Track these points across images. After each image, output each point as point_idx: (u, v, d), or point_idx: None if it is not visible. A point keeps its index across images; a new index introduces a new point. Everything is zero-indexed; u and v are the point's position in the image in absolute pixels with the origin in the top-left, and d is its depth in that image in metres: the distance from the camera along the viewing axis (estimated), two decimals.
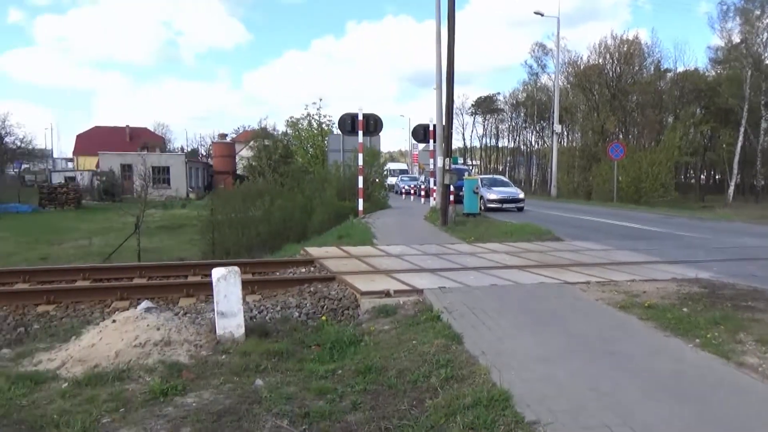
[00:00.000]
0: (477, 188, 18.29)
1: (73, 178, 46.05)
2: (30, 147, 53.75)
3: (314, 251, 11.04)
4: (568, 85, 51.55)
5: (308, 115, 32.33)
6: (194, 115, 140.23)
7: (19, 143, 51.34)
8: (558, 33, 43.87)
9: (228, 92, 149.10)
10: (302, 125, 32.87)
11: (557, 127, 42.96)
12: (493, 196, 22.60)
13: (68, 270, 9.25)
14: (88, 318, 6.94)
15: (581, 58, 51.05)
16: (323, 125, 32.20)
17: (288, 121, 34.75)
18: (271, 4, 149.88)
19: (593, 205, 28.81)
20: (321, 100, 36.57)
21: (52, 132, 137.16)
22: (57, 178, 47.24)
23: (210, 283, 5.95)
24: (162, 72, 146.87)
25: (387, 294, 7.12)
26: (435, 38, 19.10)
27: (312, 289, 7.84)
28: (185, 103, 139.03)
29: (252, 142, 43.19)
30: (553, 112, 42.51)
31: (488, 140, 79.20)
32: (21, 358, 5.46)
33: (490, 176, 28.27)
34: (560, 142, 49.94)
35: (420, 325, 5.93)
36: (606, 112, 45.47)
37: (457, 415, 3.70)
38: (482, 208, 20.00)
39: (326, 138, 27.69)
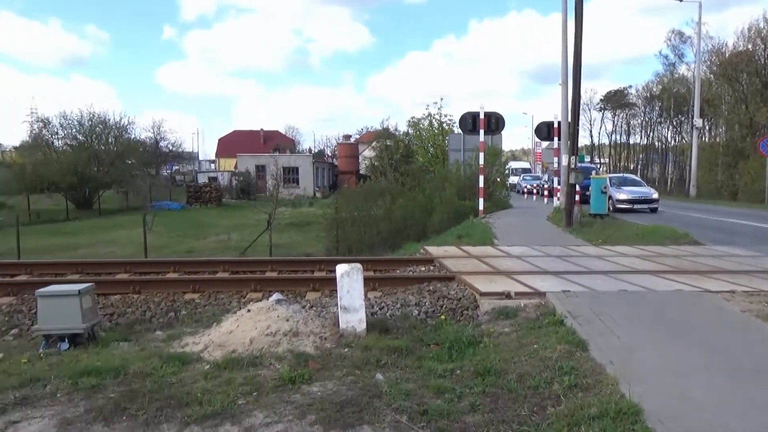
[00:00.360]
0: (605, 187, 17.31)
1: (215, 179, 50.17)
2: (180, 150, 59.66)
3: (434, 250, 11.11)
4: (711, 75, 46.94)
5: (429, 114, 32.56)
6: (321, 118, 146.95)
7: (171, 147, 57.21)
8: (699, 18, 40.12)
9: (352, 95, 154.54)
10: (423, 125, 33.16)
11: (698, 122, 39.28)
12: (623, 196, 21.25)
13: (210, 262, 10.13)
14: (227, 306, 7.56)
15: (726, 44, 46.30)
16: (444, 125, 32.25)
17: (409, 121, 35.29)
18: (394, 6, 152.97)
19: (740, 207, 26.06)
20: (442, 99, 36.64)
21: (198, 136, 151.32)
22: (202, 179, 51.71)
23: (334, 279, 6.22)
24: (292, 78, 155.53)
25: (507, 296, 6.99)
26: (561, 31, 18.38)
27: (431, 287, 7.90)
28: (313, 106, 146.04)
29: (374, 143, 44.28)
30: (693, 105, 39.00)
31: (618, 137, 74.44)
32: (171, 340, 6.08)
33: (620, 175, 26.59)
34: (701, 137, 45.69)
35: (542, 329, 5.76)
36: (756, 103, 40.79)
37: (581, 426, 3.56)
38: (611, 208, 18.89)
39: (447, 137, 27.67)
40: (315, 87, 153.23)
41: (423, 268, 9.59)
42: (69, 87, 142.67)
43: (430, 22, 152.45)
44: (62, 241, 18.60)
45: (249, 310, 6.01)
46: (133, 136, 43.82)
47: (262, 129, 75.84)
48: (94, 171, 35.62)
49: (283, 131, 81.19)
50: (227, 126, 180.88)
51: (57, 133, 38.90)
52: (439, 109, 32.93)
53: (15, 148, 52.95)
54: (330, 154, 72.75)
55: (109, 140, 39.27)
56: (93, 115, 38.62)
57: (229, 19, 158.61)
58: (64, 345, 5.87)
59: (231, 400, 4.20)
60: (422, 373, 4.89)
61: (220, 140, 76.70)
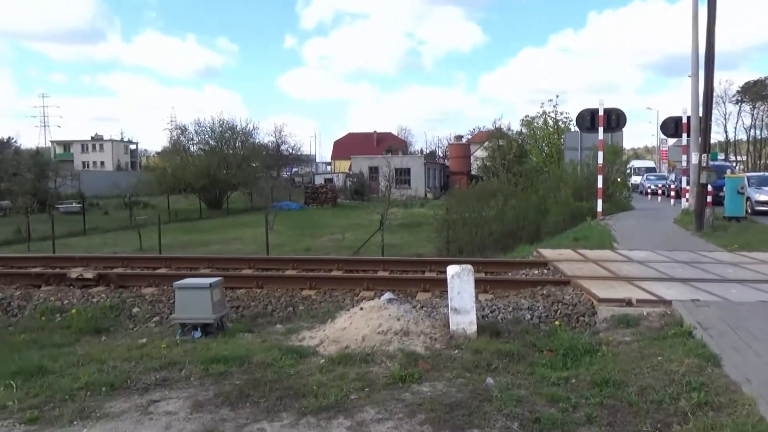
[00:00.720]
0: (742, 188, 15.74)
1: (330, 180, 52.11)
2: (299, 153, 62.70)
3: (548, 253, 10.74)
4: None
5: (544, 113, 31.46)
6: (432, 118, 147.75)
7: (291, 150, 60.31)
8: None
9: (464, 94, 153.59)
10: (537, 123, 32.11)
11: None
12: (763, 197, 19.18)
13: (326, 260, 10.56)
14: (341, 304, 7.84)
15: None
16: (559, 123, 31.02)
17: (523, 120, 34.31)
18: (507, 3, 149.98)
19: None
20: (557, 96, 35.20)
21: (315, 139, 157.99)
22: (318, 180, 53.91)
23: (445, 280, 6.23)
24: (404, 80, 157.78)
25: (628, 303, 6.60)
26: (691, 18, 16.94)
27: (545, 292, 7.66)
28: (424, 107, 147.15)
29: (486, 143, 43.63)
30: None
31: (758, 132, 67.19)
32: (290, 334, 6.43)
33: (760, 174, 24.01)
34: None
35: (667, 340, 5.38)
36: None
37: None
38: (749, 211, 17.14)
39: (563, 136, 26.60)
40: (427, 88, 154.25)
41: (536, 272, 9.31)
42: (202, 96, 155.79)
43: (546, 17, 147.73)
44: (196, 238, 20.28)
45: (362, 308, 6.19)
46: (257, 140, 46.73)
47: (375, 131, 77.53)
48: (224, 174, 38.38)
49: (395, 133, 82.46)
50: (342, 129, 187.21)
51: (192, 139, 42.48)
52: (554, 106, 31.72)
53: (157, 153, 58.63)
54: (441, 155, 72.68)
55: (236, 145, 42.14)
56: (222, 122, 41.73)
57: (345, 26, 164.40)
58: (197, 333, 6.41)
59: (344, 395, 4.36)
60: (535, 379, 4.77)
61: (335, 143, 79.45)
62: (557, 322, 6.54)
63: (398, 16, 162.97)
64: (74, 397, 4.46)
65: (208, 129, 41.65)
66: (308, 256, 11.97)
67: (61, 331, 7.07)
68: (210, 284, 6.53)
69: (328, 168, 76.07)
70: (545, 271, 9.30)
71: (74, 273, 8.84)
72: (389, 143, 69.50)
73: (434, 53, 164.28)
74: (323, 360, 5.26)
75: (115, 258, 11.00)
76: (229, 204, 38.19)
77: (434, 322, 6.17)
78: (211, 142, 41.49)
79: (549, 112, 31.31)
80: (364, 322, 5.88)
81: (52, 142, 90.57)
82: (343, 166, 65.75)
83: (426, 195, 48.12)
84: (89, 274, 8.79)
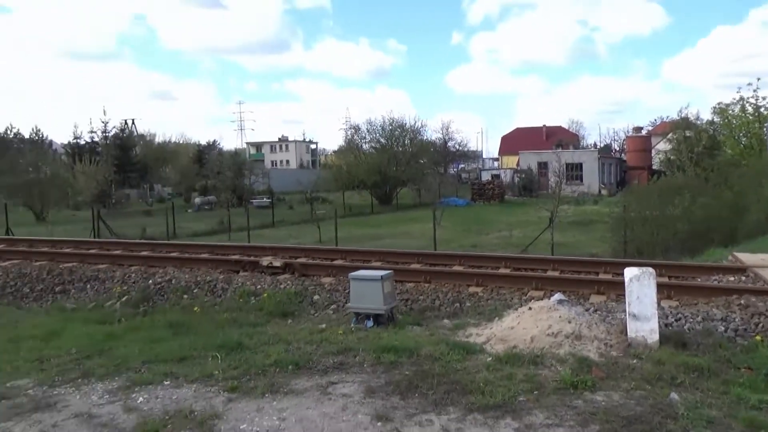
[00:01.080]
0: None
1: (497, 176, 51.44)
2: (465, 149, 62.84)
3: (747, 258, 9.49)
4: None
5: (741, 99, 27.60)
6: (607, 110, 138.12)
7: (457, 147, 60.75)
8: None
9: (643, 82, 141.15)
10: (733, 111, 28.34)
11: None
12: None
13: (493, 258, 10.48)
14: (508, 302, 7.74)
15: None
16: (761, 109, 27.03)
17: (714, 108, 30.48)
18: None
19: None
20: (758, 80, 30.30)
21: (482, 135, 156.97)
22: (485, 176, 53.56)
23: (621, 283, 5.84)
24: (575, 70, 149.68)
25: None
26: None
27: (743, 302, 6.80)
28: (598, 98, 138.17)
29: (670, 134, 39.62)
30: None
31: None
32: (457, 329, 6.52)
33: None
34: None
35: None
36: None
37: None
38: None
39: (765, 124, 23.16)
40: (600, 78, 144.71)
41: (732, 278, 8.29)
42: (374, 97, 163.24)
43: None
44: (368, 232, 21.39)
45: (530, 308, 6.06)
46: (425, 137, 47.75)
47: (544, 125, 74.68)
48: (393, 170, 39.89)
49: (566, 126, 78.61)
50: (510, 124, 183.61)
51: (364, 137, 44.79)
52: (754, 91, 27.63)
53: (334, 151, 62.84)
54: (617, 149, 67.68)
55: (405, 142, 43.52)
56: (392, 121, 43.40)
57: (512, 18, 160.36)
58: (369, 323, 6.79)
59: (512, 395, 4.32)
60: (729, 400, 4.27)
61: (502, 138, 78.09)
62: (758, 337, 5.77)
63: (569, 4, 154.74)
64: (266, 372, 5.01)
65: (379, 128, 43.60)
66: (475, 252, 11.97)
67: (255, 312, 7.96)
68: (381, 277, 6.87)
69: (495, 164, 75.08)
70: (743, 278, 8.24)
71: (265, 261, 9.88)
72: (559, 137, 66.55)
73: (609, 40, 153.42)
74: (490, 358, 5.25)
75: (299, 249, 12.06)
76: (399, 199, 39.60)
77: (609, 327, 5.82)
78: (382, 141, 43.34)
79: (748, 98, 27.45)
80: (533, 323, 5.75)
81: (247, 143, 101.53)
82: (511, 161, 64.39)
83: (600, 191, 45.20)
84: (278, 263, 9.76)
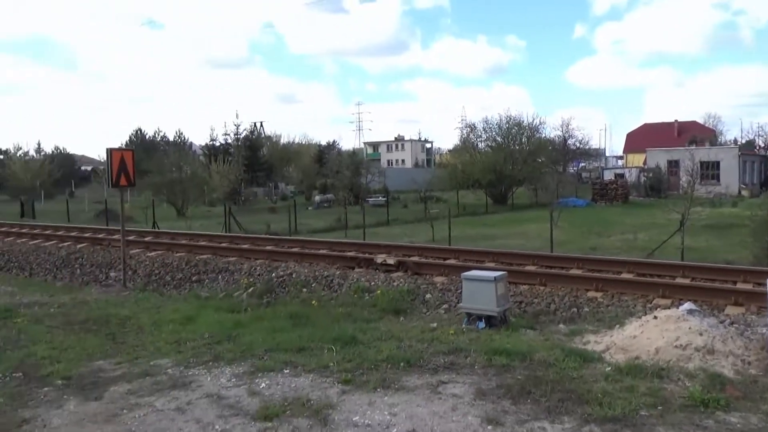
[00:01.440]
0: None
1: (621, 175, 48.42)
2: (586, 147, 59.91)
3: None
4: None
5: None
6: (750, 102, 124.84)
7: (578, 144, 58.11)
8: None
9: None
10: None
11: None
12: None
13: (615, 262, 9.92)
14: (631, 310, 7.30)
15: None
16: None
17: None
18: None
19: None
20: None
21: (605, 132, 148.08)
22: (608, 175, 50.67)
23: (764, 294, 5.30)
24: (713, 59, 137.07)
25: None
26: None
27: None
28: (740, 89, 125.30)
29: None
30: None
31: None
32: (573, 335, 6.27)
33: None
34: None
35: None
36: None
37: None
38: None
39: None
40: (742, 67, 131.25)
41: None
42: (490, 94, 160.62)
43: None
44: (481, 232, 21.11)
45: (655, 317, 5.69)
46: (543, 135, 46.15)
47: (676, 120, 69.19)
48: (509, 169, 38.97)
49: (701, 121, 72.18)
50: (636, 119, 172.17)
51: (480, 136, 44.18)
52: None
53: (449, 150, 62.76)
54: (762, 145, 60.91)
55: (522, 140, 42.35)
56: (509, 119, 42.39)
57: (641, 7, 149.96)
58: (481, 324, 6.73)
59: (632, 409, 4.08)
60: None
61: (628, 135, 73.50)
62: None
63: None
64: (378, 367, 5.15)
65: (495, 126, 42.79)
66: (595, 255, 11.39)
67: (369, 308, 8.19)
68: (495, 278, 6.78)
69: (619, 162, 70.82)
70: None
71: (379, 258, 10.13)
72: (693, 133, 61.30)
73: (755, 24, 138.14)
74: (609, 368, 5.00)
75: (412, 247, 12.21)
76: (514, 199, 38.67)
77: (748, 342, 5.30)
78: (498, 139, 42.51)
79: None
80: (658, 333, 5.38)
81: (364, 143, 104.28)
82: (637, 159, 60.35)
83: (740, 192, 41.01)
84: (391, 261, 9.96)
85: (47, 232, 16.75)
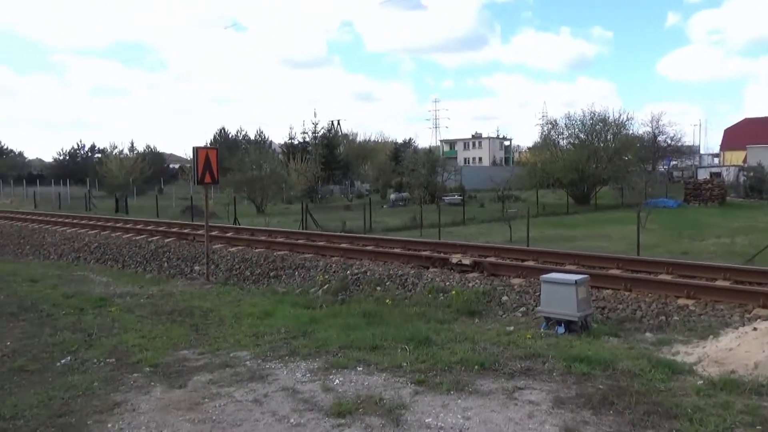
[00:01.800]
0: None
1: (718, 174, 45.30)
2: (679, 144, 56.48)
3: None
4: None
5: None
6: None
7: (669, 141, 54.90)
8: None
9: None
10: None
11: None
12: None
13: (709, 267, 9.25)
14: (726, 320, 6.78)
15: None
16: None
17: None
18: None
19: None
20: None
21: (700, 128, 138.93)
22: (702, 174, 47.59)
23: None
24: None
25: None
26: None
27: None
28: None
29: None
30: None
31: None
32: (661, 345, 5.90)
33: None
34: None
35: None
36: None
37: None
38: None
39: None
40: None
41: None
42: (574, 89, 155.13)
43: None
44: (562, 233, 20.40)
45: (755, 329, 5.26)
46: (630, 132, 43.94)
47: None
48: (593, 168, 37.43)
49: None
50: (736, 114, 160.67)
51: (562, 133, 42.67)
52: None
53: (528, 148, 61.20)
54: None
55: (608, 137, 40.50)
56: (594, 114, 40.62)
57: None
58: (561, 329, 6.47)
59: (727, 427, 3.78)
60: None
61: (726, 131, 68.69)
62: None
63: None
64: (451, 369, 5.07)
65: (579, 122, 41.16)
66: (686, 260, 10.68)
67: (443, 308, 8.10)
68: (575, 281, 6.50)
69: (716, 160, 66.34)
70: None
71: (455, 258, 10.00)
72: None
73: None
74: (701, 381, 4.66)
75: (488, 247, 11.97)
76: (597, 199, 37.10)
77: None
78: (581, 136, 40.89)
79: None
80: (758, 346, 4.96)
81: (440, 141, 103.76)
82: (736, 157, 56.26)
83: None
84: (467, 261, 9.80)
85: (138, 226, 17.84)
